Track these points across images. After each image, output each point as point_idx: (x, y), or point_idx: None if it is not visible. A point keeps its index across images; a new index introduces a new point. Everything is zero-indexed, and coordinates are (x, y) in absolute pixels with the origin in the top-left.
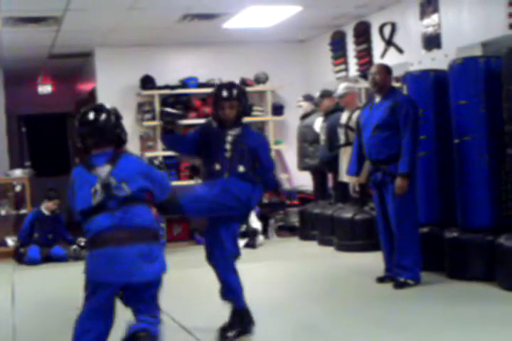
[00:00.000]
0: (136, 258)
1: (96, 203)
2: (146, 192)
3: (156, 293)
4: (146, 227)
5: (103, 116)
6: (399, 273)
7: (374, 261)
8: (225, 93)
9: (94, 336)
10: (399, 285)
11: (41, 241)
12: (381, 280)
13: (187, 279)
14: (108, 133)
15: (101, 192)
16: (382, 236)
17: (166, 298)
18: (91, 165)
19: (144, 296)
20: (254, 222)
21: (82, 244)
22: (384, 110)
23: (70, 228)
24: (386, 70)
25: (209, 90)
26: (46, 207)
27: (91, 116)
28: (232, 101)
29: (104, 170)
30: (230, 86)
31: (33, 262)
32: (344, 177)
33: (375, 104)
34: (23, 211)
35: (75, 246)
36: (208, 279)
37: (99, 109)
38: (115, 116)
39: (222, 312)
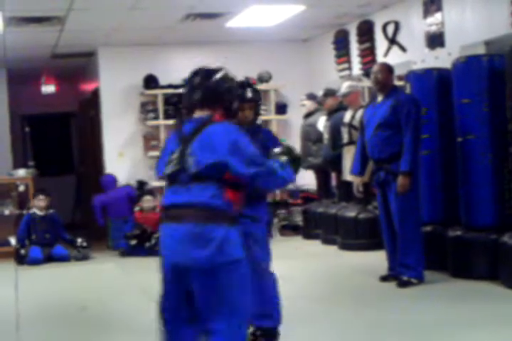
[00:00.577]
0: (197, 238)
1: (167, 173)
2: (222, 170)
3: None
4: (210, 206)
5: (210, 78)
6: (402, 272)
7: (377, 259)
8: (249, 94)
9: None
10: (402, 284)
11: (40, 242)
12: (384, 279)
13: None
14: (210, 94)
15: (176, 162)
16: (385, 235)
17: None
18: (181, 130)
19: (198, 281)
20: None
21: (85, 244)
22: (386, 109)
23: (66, 227)
24: (388, 69)
25: None
26: (37, 207)
27: (199, 76)
28: (253, 102)
29: (186, 139)
30: (250, 85)
31: (35, 262)
32: (347, 176)
33: (377, 102)
34: (26, 211)
35: (78, 247)
36: None
37: (215, 70)
38: (229, 83)
39: None
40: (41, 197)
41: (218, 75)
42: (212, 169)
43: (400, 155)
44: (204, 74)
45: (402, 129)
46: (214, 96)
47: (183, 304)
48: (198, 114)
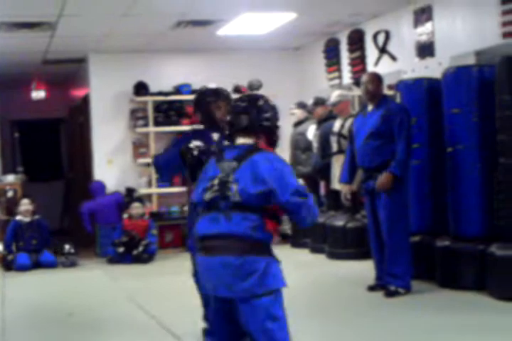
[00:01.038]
0: (240, 271)
1: (206, 199)
2: (265, 199)
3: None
4: (250, 237)
5: (256, 105)
6: (389, 282)
7: (365, 269)
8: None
9: None
10: (390, 294)
11: (27, 248)
12: (372, 288)
13: (179, 285)
14: (254, 124)
15: (216, 189)
16: (373, 245)
17: (156, 304)
18: (221, 156)
19: (244, 311)
20: None
21: (72, 251)
22: (377, 118)
23: (54, 233)
24: (378, 79)
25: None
26: (22, 212)
27: (245, 102)
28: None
29: (229, 166)
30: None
31: (22, 268)
32: (336, 184)
33: (367, 112)
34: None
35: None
36: None
37: (257, 97)
38: (272, 110)
39: None
40: (25, 201)
41: (262, 102)
42: (257, 198)
43: (388, 163)
44: (249, 101)
45: (395, 138)
46: (259, 123)
47: (227, 328)
48: (241, 141)
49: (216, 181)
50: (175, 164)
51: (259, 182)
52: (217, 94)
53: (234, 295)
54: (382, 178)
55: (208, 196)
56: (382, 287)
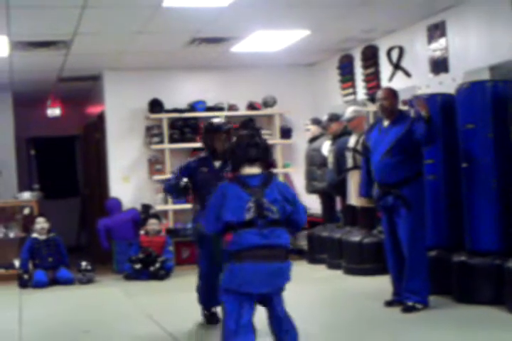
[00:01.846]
0: (280, 273)
1: (248, 219)
2: (288, 216)
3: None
4: (285, 246)
5: (264, 141)
6: (407, 297)
7: (382, 284)
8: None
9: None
10: (407, 309)
11: (43, 265)
12: (389, 304)
13: (196, 302)
14: (266, 152)
15: (254, 210)
16: (390, 260)
17: (173, 321)
18: (245, 184)
19: (274, 301)
20: None
21: (89, 267)
22: (395, 134)
23: (71, 250)
24: (393, 94)
25: (217, 114)
26: (37, 230)
27: (257, 134)
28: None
29: (258, 191)
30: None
31: (39, 285)
32: (352, 200)
33: (383, 128)
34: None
35: (83, 271)
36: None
37: (259, 133)
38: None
39: None
40: (41, 220)
41: (263, 136)
42: (289, 216)
43: (409, 180)
44: (257, 135)
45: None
46: (265, 154)
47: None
48: (249, 169)
49: (252, 204)
50: (179, 189)
51: (289, 204)
52: (219, 127)
53: (273, 291)
54: (421, 104)
55: (248, 216)
56: (399, 302)
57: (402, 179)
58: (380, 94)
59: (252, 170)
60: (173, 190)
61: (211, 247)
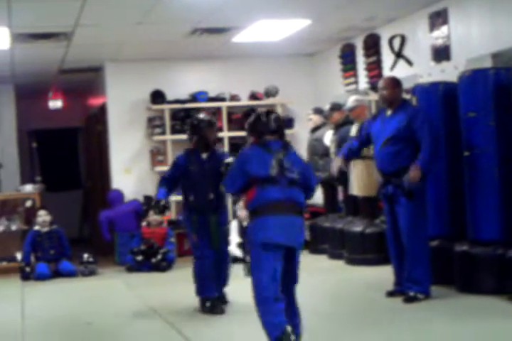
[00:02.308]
0: (299, 227)
1: (273, 174)
2: (302, 179)
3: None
4: (302, 205)
5: (280, 117)
6: (409, 287)
7: (384, 274)
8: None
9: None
10: (409, 299)
11: (45, 258)
12: (391, 294)
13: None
14: (283, 127)
15: (276, 168)
16: (392, 250)
17: (175, 312)
18: (268, 147)
19: (296, 256)
20: (233, 246)
21: (91, 259)
22: (397, 123)
23: (73, 242)
24: (394, 83)
25: (219, 104)
26: (39, 223)
27: (275, 110)
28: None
29: (279, 153)
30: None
31: (42, 278)
32: (354, 190)
33: (386, 117)
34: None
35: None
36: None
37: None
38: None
39: (230, 326)
40: (42, 212)
41: (279, 114)
42: (305, 179)
43: (409, 169)
44: (276, 113)
45: (417, 140)
46: (282, 127)
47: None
48: (270, 137)
49: (274, 163)
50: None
51: (306, 169)
52: (211, 123)
53: (296, 245)
54: (413, 173)
55: (273, 171)
56: (401, 292)
57: (402, 168)
58: (380, 83)
59: (272, 138)
60: (154, 206)
61: (210, 235)
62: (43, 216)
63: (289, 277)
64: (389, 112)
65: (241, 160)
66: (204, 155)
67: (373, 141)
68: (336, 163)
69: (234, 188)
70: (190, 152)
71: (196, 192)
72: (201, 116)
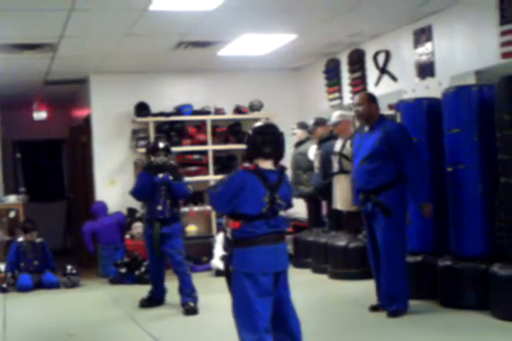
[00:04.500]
0: (280, 252)
1: (263, 212)
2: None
3: None
4: (285, 231)
5: (279, 137)
6: (388, 304)
7: (368, 289)
8: (161, 144)
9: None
10: (391, 315)
11: (28, 269)
12: (374, 308)
13: (180, 305)
14: (281, 148)
15: (268, 205)
16: (373, 266)
17: (158, 325)
18: (266, 179)
19: (285, 279)
20: (217, 260)
21: (74, 271)
22: (374, 140)
23: (57, 253)
24: (369, 99)
25: (203, 117)
26: (24, 239)
27: (276, 128)
28: (165, 150)
29: (274, 187)
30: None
31: (24, 289)
32: (338, 205)
33: (364, 133)
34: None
35: (68, 274)
36: (205, 305)
37: (278, 130)
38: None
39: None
40: (33, 233)
41: (280, 133)
42: (288, 207)
43: (388, 186)
44: (277, 133)
45: (398, 158)
46: (280, 150)
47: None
48: (264, 163)
49: (267, 199)
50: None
51: (291, 199)
52: (167, 148)
53: (284, 269)
54: (426, 210)
55: (264, 210)
56: (384, 307)
57: (380, 185)
58: (355, 99)
59: (268, 164)
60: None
61: (152, 245)
62: (29, 235)
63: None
64: (366, 128)
65: (234, 188)
66: (160, 176)
67: (352, 157)
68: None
69: (222, 210)
70: (147, 169)
71: (148, 202)
72: (158, 142)
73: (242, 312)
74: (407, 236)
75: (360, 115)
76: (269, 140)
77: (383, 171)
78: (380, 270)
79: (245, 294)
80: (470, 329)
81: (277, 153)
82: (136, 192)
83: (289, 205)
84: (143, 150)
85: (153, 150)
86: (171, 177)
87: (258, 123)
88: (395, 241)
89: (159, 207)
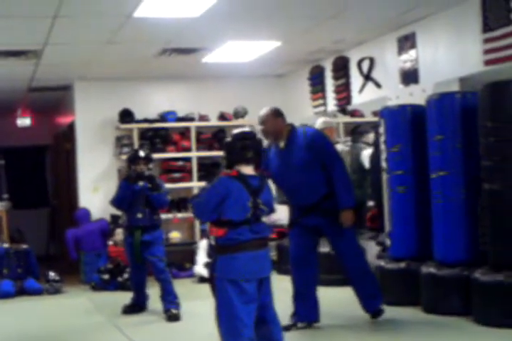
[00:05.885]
0: (264, 258)
1: (247, 217)
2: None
3: None
4: (268, 237)
5: (259, 144)
6: (370, 304)
7: (351, 295)
8: (142, 153)
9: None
10: (375, 314)
11: (12, 276)
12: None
13: (162, 312)
14: (261, 153)
15: (252, 211)
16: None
17: (141, 331)
18: (248, 184)
19: (268, 284)
20: (200, 266)
21: (57, 278)
22: (297, 154)
23: (40, 260)
24: (272, 115)
25: (188, 124)
26: (9, 246)
27: (255, 134)
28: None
29: (256, 192)
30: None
31: (6, 295)
32: None
33: (280, 150)
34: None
35: (51, 281)
36: (187, 312)
37: (256, 136)
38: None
39: None
40: (21, 244)
41: (259, 139)
42: (270, 213)
43: (328, 195)
44: (254, 138)
45: (326, 165)
46: (260, 156)
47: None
48: (245, 169)
49: (250, 204)
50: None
51: (271, 200)
52: (148, 157)
53: (267, 275)
54: (345, 216)
55: (248, 216)
56: (366, 310)
57: (319, 199)
58: (258, 119)
59: (249, 169)
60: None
61: (133, 253)
62: (17, 245)
63: (265, 301)
64: (282, 144)
65: (218, 195)
66: (141, 183)
67: (274, 178)
68: None
69: (207, 219)
70: (128, 179)
71: (128, 211)
72: (139, 151)
73: (226, 319)
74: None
75: (267, 133)
76: (249, 145)
77: (318, 182)
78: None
79: (229, 301)
80: (453, 336)
81: (258, 158)
82: (117, 202)
83: (271, 210)
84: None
85: (133, 159)
86: (149, 185)
87: (236, 130)
88: (354, 243)
89: (139, 215)
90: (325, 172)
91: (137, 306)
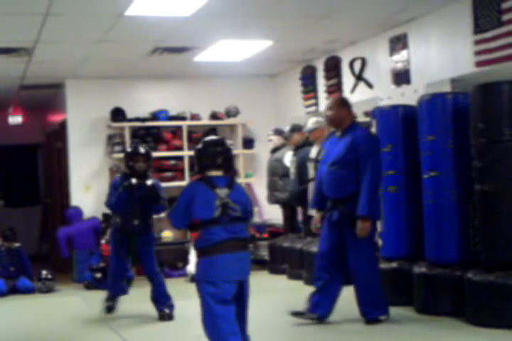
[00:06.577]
0: (242, 261)
1: (216, 216)
2: (246, 214)
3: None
4: (247, 239)
5: (228, 148)
6: (368, 312)
7: (343, 295)
8: (142, 150)
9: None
10: (370, 322)
11: (4, 274)
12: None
13: (155, 311)
14: (231, 159)
15: (220, 209)
16: (322, 268)
17: (133, 330)
18: (214, 184)
19: (245, 288)
20: (192, 265)
21: (49, 276)
22: (342, 146)
23: (32, 258)
24: (340, 104)
25: (179, 123)
26: (1, 244)
27: (224, 141)
28: (145, 156)
29: (223, 192)
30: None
31: None
32: (313, 211)
33: (335, 138)
34: None
35: (43, 280)
36: (180, 311)
37: (225, 141)
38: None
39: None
40: (13, 243)
41: (229, 146)
42: (245, 213)
43: (355, 195)
44: (224, 145)
45: (360, 168)
46: (230, 161)
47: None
48: (214, 173)
49: (218, 202)
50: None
51: (248, 205)
52: (145, 153)
53: (246, 277)
54: (360, 226)
55: (217, 214)
56: (364, 315)
57: (348, 194)
58: (327, 104)
59: (218, 173)
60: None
61: (128, 248)
62: (8, 244)
63: (241, 307)
64: (338, 134)
65: (185, 199)
66: (133, 180)
67: (320, 162)
68: (314, 221)
69: (180, 225)
70: (125, 177)
71: (123, 216)
72: (139, 147)
73: (208, 319)
74: (376, 244)
75: (329, 119)
76: (219, 151)
77: (350, 179)
78: (334, 276)
79: (208, 301)
80: (445, 336)
81: (228, 165)
82: (116, 208)
83: (246, 209)
84: (119, 155)
85: (132, 155)
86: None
87: (207, 138)
88: (367, 248)
89: (135, 222)
90: (357, 173)
91: (115, 297)
